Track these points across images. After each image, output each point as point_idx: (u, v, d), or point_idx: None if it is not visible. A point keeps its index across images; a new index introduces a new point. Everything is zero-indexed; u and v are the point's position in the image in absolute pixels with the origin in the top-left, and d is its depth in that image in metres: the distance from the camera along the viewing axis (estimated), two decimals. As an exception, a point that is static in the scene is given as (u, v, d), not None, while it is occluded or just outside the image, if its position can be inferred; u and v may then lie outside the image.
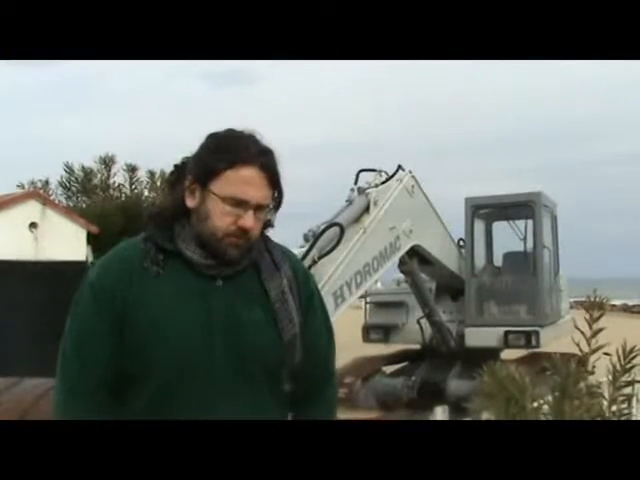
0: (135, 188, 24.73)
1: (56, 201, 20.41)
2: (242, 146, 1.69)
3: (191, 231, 1.72)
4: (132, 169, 24.70)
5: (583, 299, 2.24)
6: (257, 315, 1.72)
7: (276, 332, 1.72)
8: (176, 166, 1.78)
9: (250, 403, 1.68)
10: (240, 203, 1.67)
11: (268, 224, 1.81)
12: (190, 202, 1.72)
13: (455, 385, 8.68)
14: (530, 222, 9.59)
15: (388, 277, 9.74)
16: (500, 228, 10.29)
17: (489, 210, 10.19)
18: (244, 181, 1.67)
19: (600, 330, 2.10)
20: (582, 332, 2.11)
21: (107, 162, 24.97)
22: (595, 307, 2.12)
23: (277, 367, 1.73)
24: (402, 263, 8.07)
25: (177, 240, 1.72)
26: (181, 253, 1.71)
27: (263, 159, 1.70)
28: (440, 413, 4.81)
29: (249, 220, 1.68)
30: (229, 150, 1.69)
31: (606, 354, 2.09)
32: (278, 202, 1.78)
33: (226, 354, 1.66)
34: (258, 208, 1.70)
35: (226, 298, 1.70)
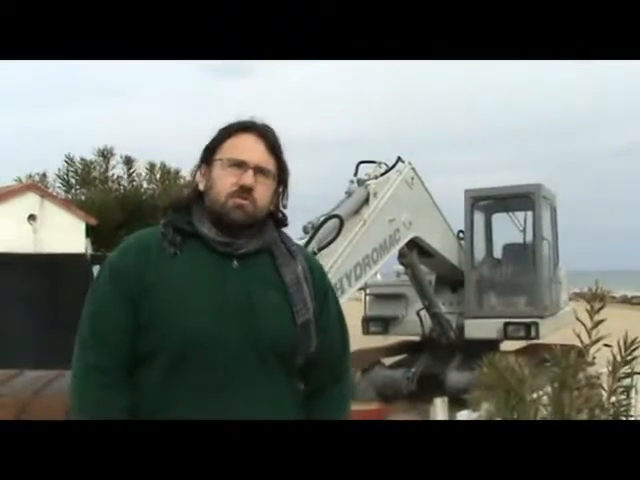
0: (133, 180, 24.65)
1: (55, 193, 20.38)
2: (241, 121, 1.82)
3: (205, 210, 1.78)
4: (129, 161, 24.62)
5: (584, 291, 2.24)
6: (272, 298, 1.74)
7: (290, 316, 1.74)
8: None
9: (262, 384, 1.69)
10: (239, 164, 1.75)
11: (282, 219, 1.87)
12: (202, 185, 1.81)
13: (455, 377, 8.68)
14: (530, 214, 9.58)
15: (388, 269, 9.74)
16: (500, 220, 10.29)
17: (489, 202, 10.17)
18: (242, 145, 1.78)
19: (601, 322, 2.10)
20: (583, 323, 2.10)
21: (105, 154, 24.88)
22: (596, 299, 2.12)
23: (291, 350, 1.74)
24: (402, 255, 8.06)
25: (195, 221, 1.78)
26: (197, 232, 1.76)
27: (260, 128, 1.81)
28: (440, 405, 4.81)
29: (249, 177, 1.74)
30: (228, 125, 1.82)
31: (607, 345, 2.09)
32: (283, 177, 1.84)
33: (239, 334, 1.68)
34: (258, 170, 1.76)
35: (241, 279, 1.73)
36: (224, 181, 1.75)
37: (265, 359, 1.70)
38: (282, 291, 1.76)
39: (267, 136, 1.80)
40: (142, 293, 1.69)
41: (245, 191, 1.73)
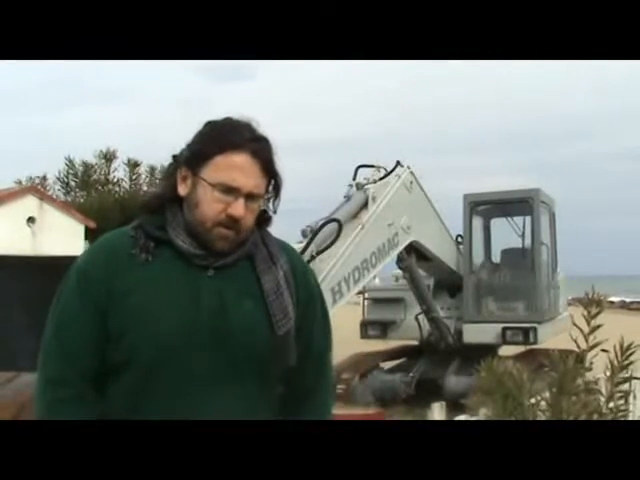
0: (135, 184, 24.61)
1: (54, 196, 20.38)
2: (234, 132, 1.66)
3: (182, 220, 1.68)
4: (134, 164, 24.55)
5: (581, 296, 2.24)
6: (247, 307, 1.66)
7: (267, 326, 1.66)
8: (174, 156, 1.74)
9: (235, 396, 1.63)
10: (230, 190, 1.62)
11: (266, 219, 1.77)
12: (182, 190, 1.68)
13: (453, 381, 8.69)
14: (528, 219, 9.61)
15: (386, 273, 9.75)
16: (498, 225, 10.31)
17: (487, 206, 10.21)
18: (234, 167, 1.63)
19: (598, 327, 2.11)
20: (580, 329, 2.11)
21: (108, 157, 24.85)
22: (593, 304, 2.13)
23: (265, 361, 1.67)
24: (400, 259, 8.08)
25: (168, 228, 1.67)
26: (172, 242, 1.66)
27: (255, 146, 1.65)
28: (437, 410, 4.81)
29: (239, 208, 1.62)
30: (221, 136, 1.65)
31: (604, 351, 2.09)
32: (276, 192, 1.73)
33: (211, 345, 1.61)
34: (249, 197, 1.64)
35: (216, 288, 1.65)
36: (211, 206, 1.63)
37: (238, 370, 1.64)
38: (260, 301, 1.67)
39: (261, 155, 1.65)
40: (111, 301, 1.61)
41: (233, 221, 1.63)
